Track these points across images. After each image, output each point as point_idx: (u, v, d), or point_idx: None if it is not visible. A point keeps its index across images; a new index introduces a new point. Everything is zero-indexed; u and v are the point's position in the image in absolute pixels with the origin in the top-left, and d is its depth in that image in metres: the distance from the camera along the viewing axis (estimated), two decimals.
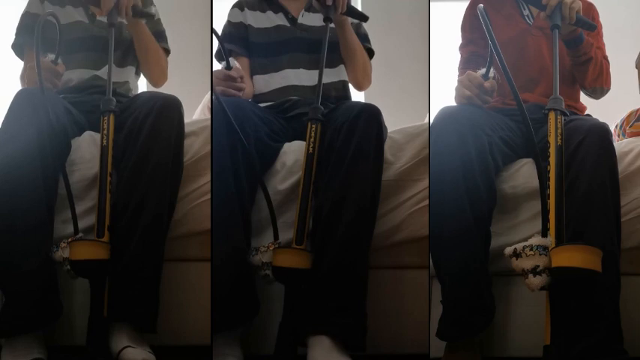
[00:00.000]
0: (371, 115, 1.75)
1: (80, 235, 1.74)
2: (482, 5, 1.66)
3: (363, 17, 2.05)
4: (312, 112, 1.80)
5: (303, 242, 1.70)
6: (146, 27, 2.06)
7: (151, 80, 2.17)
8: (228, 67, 1.88)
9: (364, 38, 2.17)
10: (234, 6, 2.15)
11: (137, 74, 2.19)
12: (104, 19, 2.08)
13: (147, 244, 1.72)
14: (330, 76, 2.08)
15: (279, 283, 1.73)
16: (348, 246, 1.70)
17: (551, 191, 1.60)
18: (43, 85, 1.75)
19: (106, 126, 1.77)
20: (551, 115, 1.68)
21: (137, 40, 2.07)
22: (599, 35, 2.06)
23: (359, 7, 2.29)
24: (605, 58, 2.06)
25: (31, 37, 1.99)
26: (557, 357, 1.57)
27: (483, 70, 1.80)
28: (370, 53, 2.18)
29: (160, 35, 2.15)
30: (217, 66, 2.11)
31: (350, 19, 2.05)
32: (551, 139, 1.65)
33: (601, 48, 2.06)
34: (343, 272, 1.70)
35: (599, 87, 2.04)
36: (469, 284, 1.68)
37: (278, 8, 2.14)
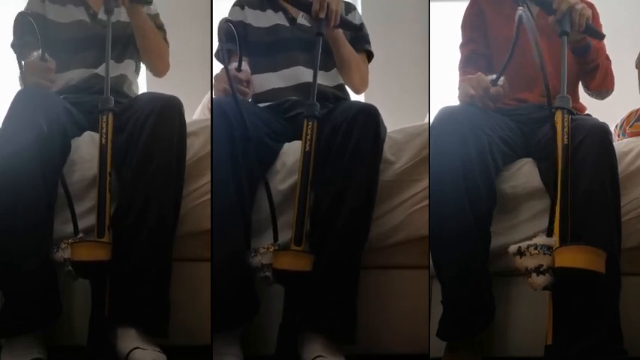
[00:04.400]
0: (369, 114, 1.75)
1: (81, 235, 1.75)
2: (521, 8, 1.65)
3: (357, 29, 2.04)
4: (308, 109, 1.78)
5: (302, 242, 1.70)
6: (145, 14, 2.04)
7: (153, 69, 2.15)
8: (239, 68, 1.88)
9: (365, 40, 2.16)
10: (235, 4, 2.15)
11: (137, 70, 2.18)
12: (105, 18, 2.08)
13: (153, 245, 1.72)
14: (327, 79, 2.08)
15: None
16: (347, 241, 1.71)
17: (557, 190, 1.60)
18: (31, 82, 1.76)
19: (104, 125, 1.76)
20: (558, 114, 1.67)
21: (136, 27, 2.05)
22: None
23: (359, 8, 2.28)
24: (607, 58, 2.06)
25: (29, 36, 1.99)
26: (558, 357, 1.57)
27: (494, 76, 1.79)
28: (370, 55, 2.17)
29: (159, 28, 2.15)
30: (217, 66, 2.12)
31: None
32: (558, 139, 1.64)
33: (602, 48, 2.06)
34: (342, 267, 1.71)
35: (605, 90, 2.05)
36: (469, 284, 1.68)
37: (278, 7, 2.13)
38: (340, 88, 2.12)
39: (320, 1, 1.87)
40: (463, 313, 1.68)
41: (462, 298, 1.68)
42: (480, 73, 1.83)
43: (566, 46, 1.75)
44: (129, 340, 1.67)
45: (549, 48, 2.00)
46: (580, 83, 2.09)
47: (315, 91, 1.81)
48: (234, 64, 1.89)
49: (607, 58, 2.06)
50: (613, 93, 2.08)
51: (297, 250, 1.69)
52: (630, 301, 1.70)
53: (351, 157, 1.71)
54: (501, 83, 1.80)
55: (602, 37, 1.90)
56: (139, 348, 1.65)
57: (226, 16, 2.15)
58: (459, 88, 1.86)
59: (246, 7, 2.13)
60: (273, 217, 1.77)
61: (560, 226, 1.57)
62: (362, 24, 2.18)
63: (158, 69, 2.15)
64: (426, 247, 1.75)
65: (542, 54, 1.59)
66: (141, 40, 2.08)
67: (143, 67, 2.22)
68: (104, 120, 1.77)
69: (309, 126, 1.76)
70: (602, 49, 2.04)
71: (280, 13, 2.13)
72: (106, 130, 1.76)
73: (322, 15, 1.87)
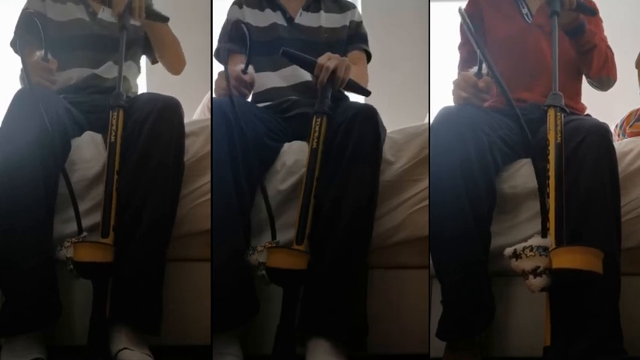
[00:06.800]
0: (368, 115, 1.75)
1: (85, 234, 1.75)
2: (462, 7, 1.65)
3: (365, 92, 1.85)
4: (319, 104, 1.77)
5: (303, 242, 1.69)
6: (161, 24, 2.05)
7: (172, 70, 2.18)
8: (245, 70, 1.87)
9: (363, 40, 2.16)
10: (234, 3, 2.15)
11: (137, 72, 2.18)
12: (105, 17, 2.08)
13: (150, 243, 1.72)
14: None
15: None
16: (347, 245, 1.70)
17: (551, 190, 1.59)
18: (31, 81, 1.75)
19: (114, 122, 1.76)
20: (551, 112, 1.66)
21: (152, 35, 2.07)
22: (600, 29, 2.05)
23: (359, 7, 2.27)
24: (609, 48, 2.04)
25: (29, 34, 1.99)
26: (557, 357, 1.57)
27: (475, 69, 1.78)
28: (368, 56, 2.16)
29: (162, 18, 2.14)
30: (217, 65, 2.12)
31: None
32: (551, 137, 1.63)
33: (604, 40, 2.05)
34: (342, 271, 1.70)
35: (605, 76, 2.02)
36: (469, 284, 1.68)
37: (276, 7, 2.13)
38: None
39: (325, 67, 1.75)
40: (463, 313, 1.68)
41: (462, 298, 1.68)
42: (462, 72, 1.82)
43: (557, 27, 1.73)
44: (120, 340, 1.68)
45: (549, 47, 1.99)
46: (583, 80, 2.08)
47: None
48: (241, 66, 1.88)
49: (609, 47, 2.03)
50: (613, 93, 2.08)
51: (295, 248, 1.68)
52: (630, 301, 1.71)
53: (351, 158, 1.71)
54: (485, 72, 1.77)
55: (595, 12, 1.87)
56: (127, 349, 1.65)
57: (225, 15, 2.15)
58: (452, 93, 1.85)
59: (244, 6, 2.12)
60: (270, 216, 1.76)
61: (555, 225, 1.57)
62: (361, 22, 2.18)
63: (177, 70, 2.18)
64: (426, 247, 1.75)
65: (484, 49, 1.58)
66: (159, 48, 2.12)
67: (143, 68, 2.22)
68: (114, 117, 1.76)
69: (318, 122, 1.75)
70: (599, 30, 2.02)
71: (279, 13, 2.13)
72: (116, 127, 1.76)
73: (323, 83, 1.77)
